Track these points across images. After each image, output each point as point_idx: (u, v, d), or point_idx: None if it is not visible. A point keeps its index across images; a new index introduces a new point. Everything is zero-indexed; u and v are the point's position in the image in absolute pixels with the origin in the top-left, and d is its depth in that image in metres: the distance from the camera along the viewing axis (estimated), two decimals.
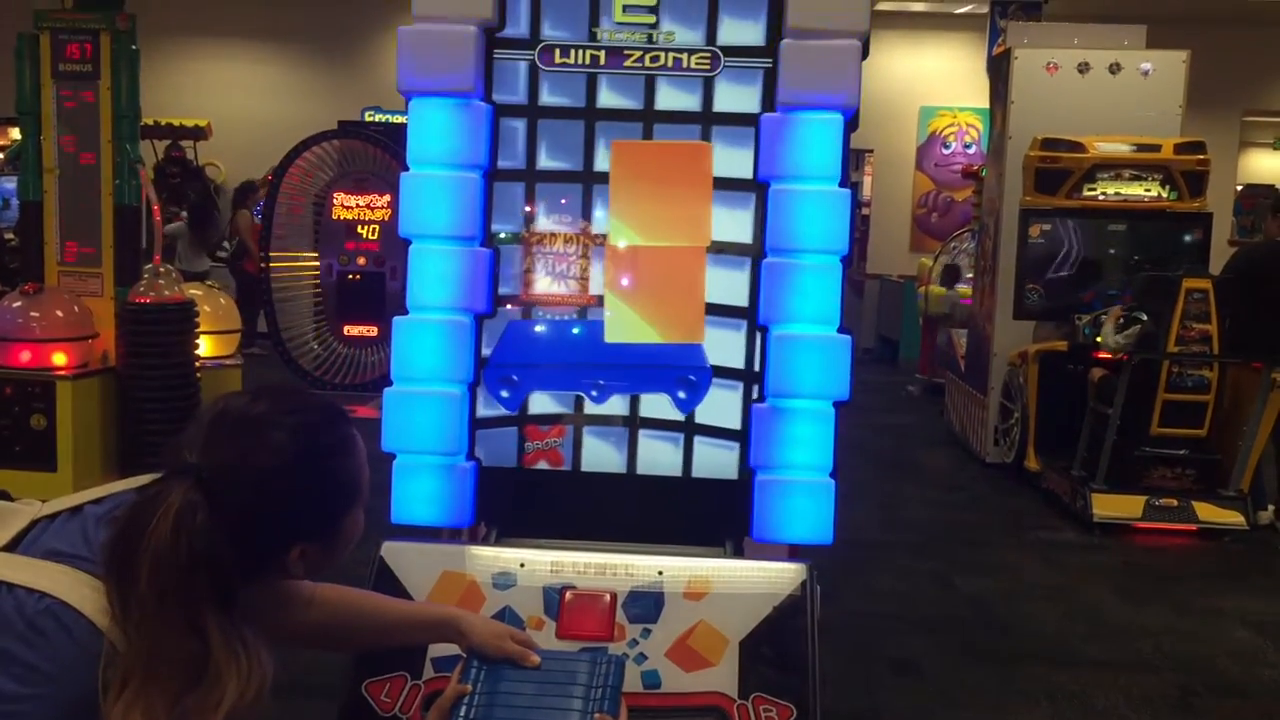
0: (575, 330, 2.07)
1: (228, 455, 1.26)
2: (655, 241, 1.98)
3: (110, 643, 1.21)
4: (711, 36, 2.25)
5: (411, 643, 1.84)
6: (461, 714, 1.68)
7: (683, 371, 1.93)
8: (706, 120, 2.26)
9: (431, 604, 1.91)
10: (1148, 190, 7.48)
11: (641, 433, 2.32)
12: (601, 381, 2.00)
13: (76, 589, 1.23)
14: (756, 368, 2.22)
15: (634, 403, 2.30)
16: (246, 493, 1.25)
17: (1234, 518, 6.40)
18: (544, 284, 2.21)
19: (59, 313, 5.69)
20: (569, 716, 1.67)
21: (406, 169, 2.28)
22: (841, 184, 2.22)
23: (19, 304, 5.70)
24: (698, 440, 2.29)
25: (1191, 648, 4.76)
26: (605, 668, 1.75)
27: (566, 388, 2.17)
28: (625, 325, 1.94)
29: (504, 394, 2.16)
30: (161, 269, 5.95)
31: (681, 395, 2.01)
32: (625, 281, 1.90)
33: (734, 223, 2.24)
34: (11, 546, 1.30)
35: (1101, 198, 7.52)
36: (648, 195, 2.01)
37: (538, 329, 2.14)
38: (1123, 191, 7.50)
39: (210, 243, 11.19)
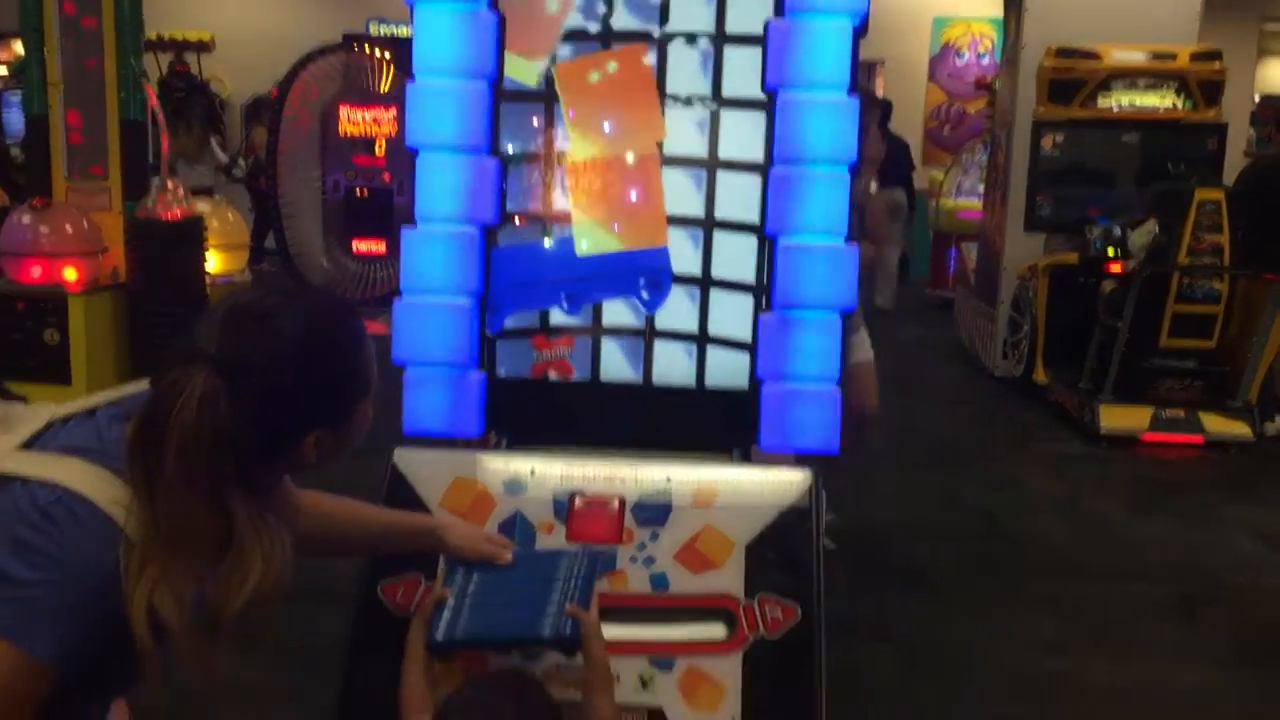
0: (551, 248, 2.06)
1: (244, 345, 1.29)
2: (611, 153, 1.97)
3: (126, 534, 1.24)
4: None
5: (394, 551, 1.90)
6: (444, 617, 1.73)
7: (645, 275, 1.95)
8: (720, 39, 2.22)
9: (412, 513, 1.96)
10: (1163, 100, 7.39)
11: (652, 342, 2.33)
12: (569, 294, 2.05)
13: (89, 480, 1.26)
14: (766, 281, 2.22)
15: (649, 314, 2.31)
16: (263, 380, 1.28)
17: (1241, 429, 6.42)
18: (559, 200, 2.20)
19: (68, 228, 5.69)
20: (544, 609, 1.72)
21: (412, 79, 2.26)
22: (850, 92, 2.20)
23: (28, 219, 5.70)
24: (709, 350, 2.30)
25: (1196, 558, 4.82)
26: (579, 562, 1.80)
27: (540, 305, 2.18)
28: (593, 238, 1.96)
29: (496, 319, 2.18)
30: (169, 184, 5.93)
31: (645, 297, 2.04)
32: (588, 196, 1.93)
33: (746, 137, 2.22)
34: (28, 446, 1.33)
35: (1115, 108, 7.43)
36: (597, 109, 2.01)
37: (516, 252, 2.13)
38: (1137, 102, 7.41)
39: (209, 158, 11.10)
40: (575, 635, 1.68)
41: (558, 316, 2.28)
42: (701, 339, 2.30)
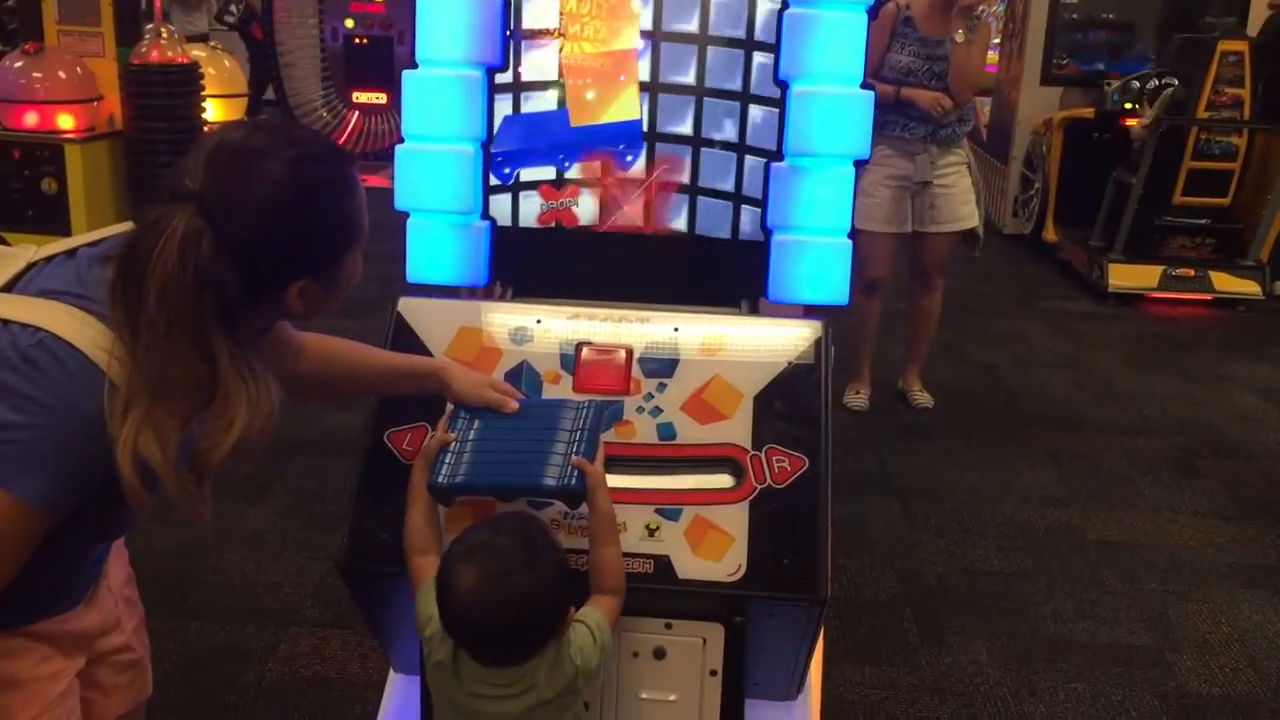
0: (550, 119, 2.13)
1: (227, 184, 1.24)
2: (598, 48, 2.04)
3: (109, 378, 1.22)
4: None
5: (397, 393, 1.87)
6: (446, 460, 1.73)
7: (622, 139, 2.07)
8: None
9: (417, 356, 1.93)
10: None
11: (658, 194, 2.28)
12: (563, 157, 2.14)
13: (70, 323, 1.24)
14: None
15: (649, 163, 2.26)
16: (246, 222, 1.24)
17: (1250, 287, 6.40)
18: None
19: (62, 74, 5.58)
20: (548, 459, 1.71)
21: None
22: None
23: (20, 64, 5.57)
24: (716, 203, 2.26)
25: (1198, 413, 4.85)
26: (585, 413, 1.79)
27: (544, 164, 2.19)
28: (583, 112, 2.06)
29: (504, 173, 2.21)
30: (163, 29, 5.78)
31: (628, 159, 2.11)
32: (579, 81, 2.06)
33: None
34: (8, 288, 1.31)
35: None
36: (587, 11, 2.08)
37: (523, 119, 2.17)
38: None
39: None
40: (581, 487, 1.68)
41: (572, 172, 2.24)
42: (713, 192, 2.25)
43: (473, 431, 1.77)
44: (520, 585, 1.52)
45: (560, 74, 2.17)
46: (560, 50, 2.14)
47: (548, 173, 2.24)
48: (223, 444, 1.25)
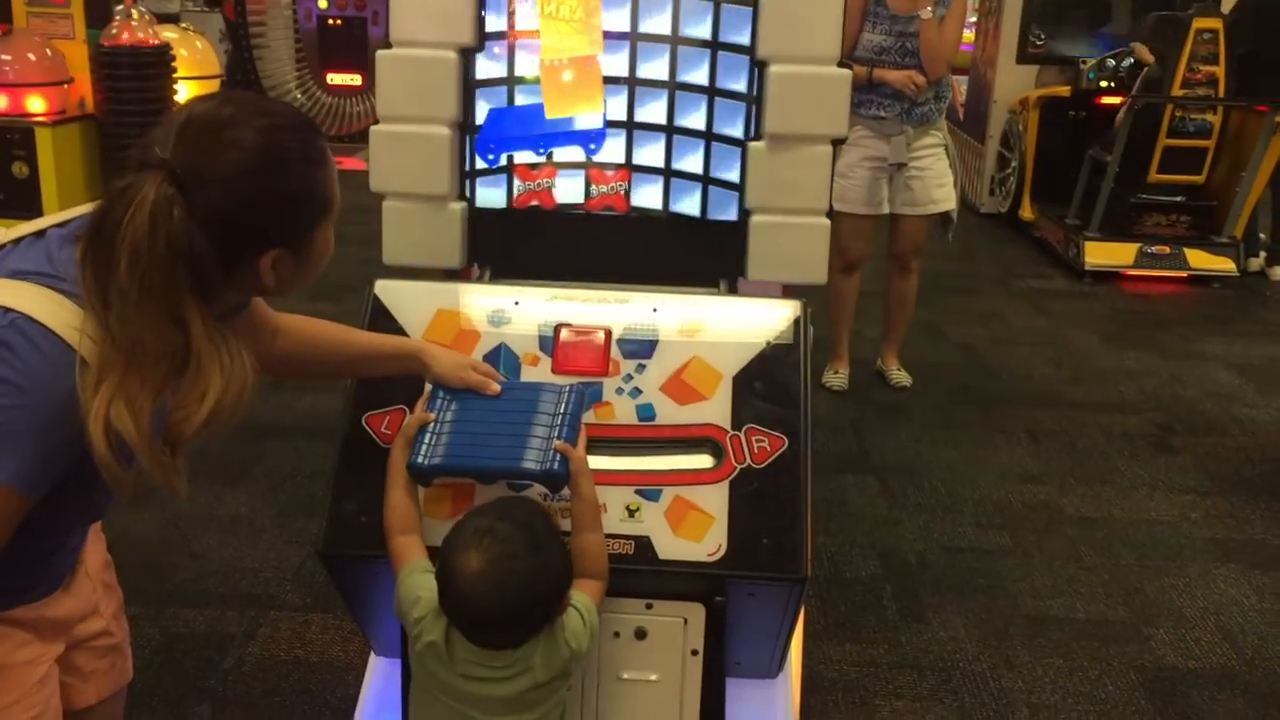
0: (529, 112, 2.21)
1: (199, 153, 1.23)
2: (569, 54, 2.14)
3: (81, 357, 1.21)
4: None
5: (377, 374, 1.86)
6: (425, 440, 1.72)
7: (591, 133, 2.18)
8: None
9: (396, 337, 1.93)
10: None
11: (635, 176, 2.28)
12: (542, 145, 2.22)
13: (41, 304, 1.23)
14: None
15: (629, 149, 2.25)
16: (217, 189, 1.23)
17: (1225, 264, 6.44)
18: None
19: (31, 56, 5.51)
20: (528, 442, 1.72)
21: None
22: None
23: None
24: (696, 186, 2.26)
25: (1173, 390, 4.88)
26: (566, 397, 1.78)
27: (527, 148, 2.23)
28: (556, 106, 2.15)
29: (489, 158, 2.25)
30: (134, 10, 5.71)
31: (592, 146, 2.21)
32: (554, 80, 2.15)
33: None
34: None
35: None
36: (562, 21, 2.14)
37: (506, 112, 2.25)
38: None
39: None
40: (563, 471, 1.68)
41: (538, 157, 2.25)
42: (690, 175, 2.25)
43: (451, 413, 1.77)
44: (525, 571, 1.54)
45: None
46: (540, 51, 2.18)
47: (528, 156, 2.26)
48: (196, 414, 1.24)
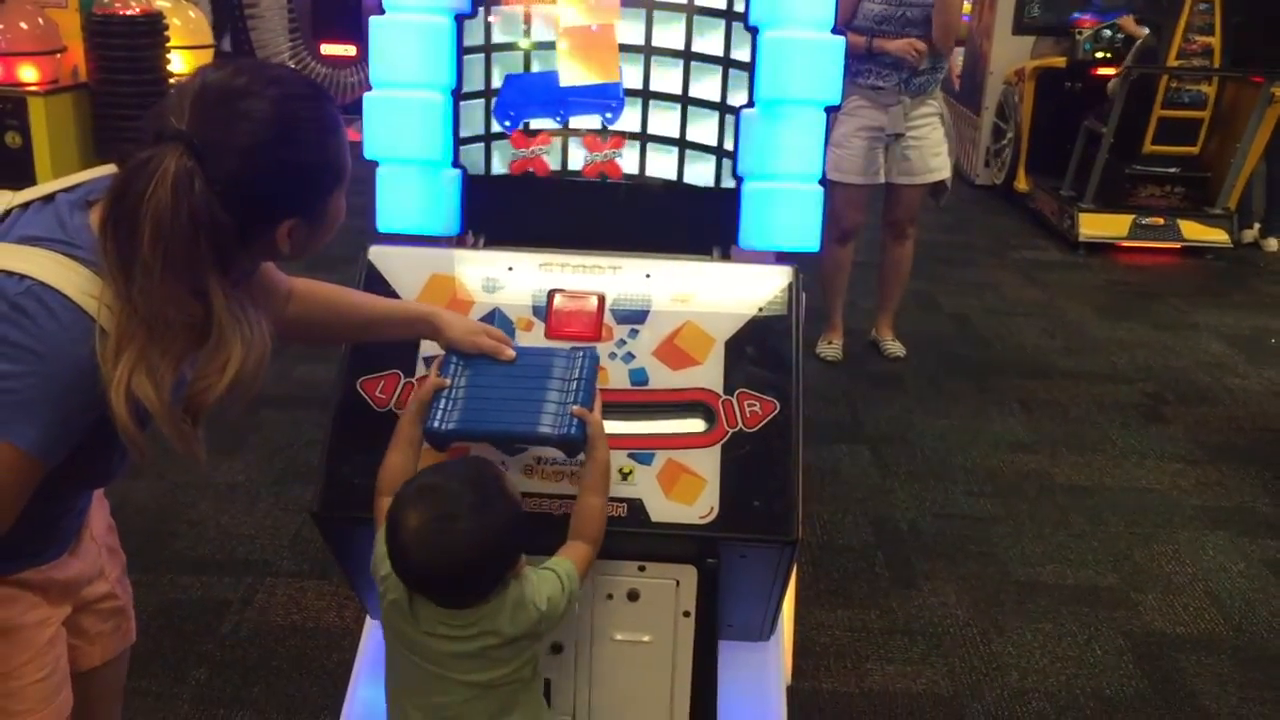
0: (547, 78, 2.21)
1: (216, 125, 1.24)
2: (586, 21, 2.17)
3: (99, 324, 1.22)
4: None
5: (388, 338, 1.86)
6: (441, 406, 1.73)
7: (609, 101, 2.19)
8: None
9: (408, 301, 1.93)
10: None
11: (629, 143, 2.28)
12: (561, 112, 2.22)
13: (57, 271, 1.23)
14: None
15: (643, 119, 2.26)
16: (237, 161, 1.23)
17: (1219, 235, 6.45)
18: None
19: (23, 24, 5.48)
20: (544, 407, 1.72)
21: None
22: None
23: None
24: (689, 153, 2.26)
25: (1165, 360, 4.91)
26: (579, 362, 1.79)
27: (545, 116, 2.23)
28: (573, 73, 2.18)
29: (505, 124, 2.24)
30: None
31: (608, 115, 2.21)
32: (568, 47, 2.19)
33: None
34: None
35: None
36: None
37: (523, 78, 2.24)
38: None
39: None
40: (581, 435, 1.69)
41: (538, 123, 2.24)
42: (682, 142, 2.25)
43: (465, 378, 1.77)
44: (465, 531, 1.50)
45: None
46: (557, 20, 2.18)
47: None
48: (218, 384, 1.26)
